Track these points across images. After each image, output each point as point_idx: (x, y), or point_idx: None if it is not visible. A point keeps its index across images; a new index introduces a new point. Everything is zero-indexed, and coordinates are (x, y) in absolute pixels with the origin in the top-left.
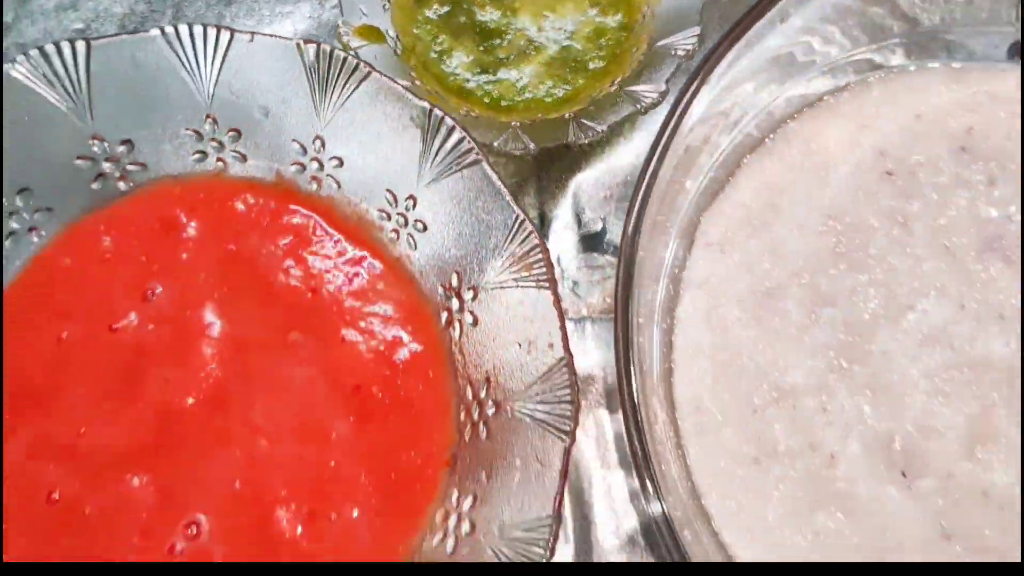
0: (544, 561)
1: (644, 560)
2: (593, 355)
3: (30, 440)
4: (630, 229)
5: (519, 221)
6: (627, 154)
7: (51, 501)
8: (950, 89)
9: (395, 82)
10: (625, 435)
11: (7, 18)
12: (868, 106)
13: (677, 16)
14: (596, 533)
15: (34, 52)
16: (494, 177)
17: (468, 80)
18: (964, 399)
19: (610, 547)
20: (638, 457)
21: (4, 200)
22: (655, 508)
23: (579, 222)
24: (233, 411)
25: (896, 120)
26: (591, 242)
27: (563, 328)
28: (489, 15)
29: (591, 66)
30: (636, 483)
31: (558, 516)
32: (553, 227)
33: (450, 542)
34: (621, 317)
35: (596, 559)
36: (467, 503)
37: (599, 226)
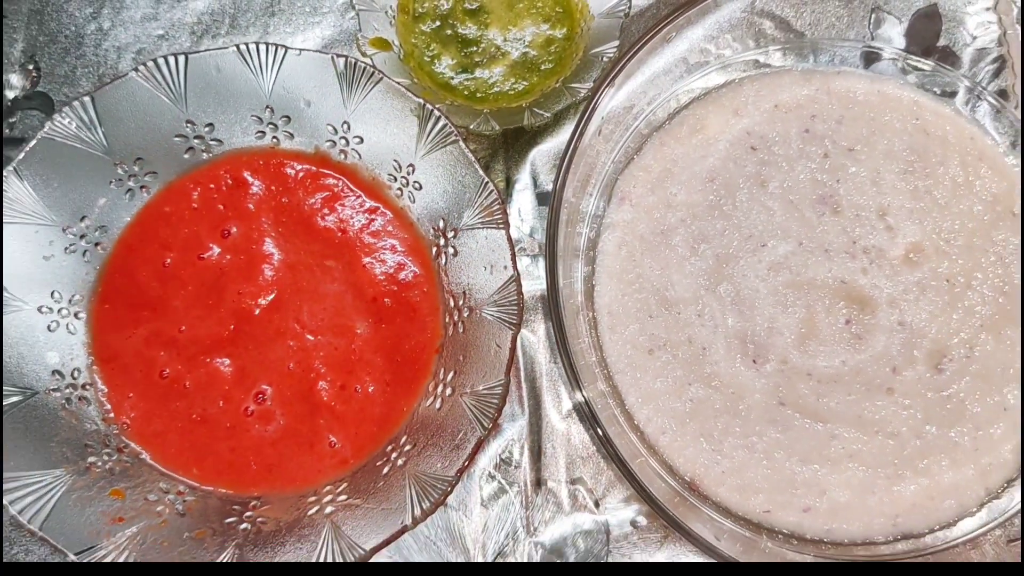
0: (497, 406)
1: (576, 423)
2: (544, 281)
3: (147, 335)
4: (557, 186)
5: (484, 182)
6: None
7: (162, 376)
8: (800, 86)
9: (399, 83)
10: (554, 333)
11: (105, 25)
12: (740, 98)
13: (605, 31)
14: (544, 409)
15: (150, 63)
16: (467, 152)
17: (452, 78)
18: (797, 308)
19: (554, 419)
20: (560, 344)
21: (127, 165)
22: (577, 393)
23: (535, 184)
24: (287, 314)
25: (760, 108)
26: (544, 198)
27: (513, 255)
28: (468, 29)
29: (543, 67)
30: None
31: (507, 378)
32: (516, 187)
33: (438, 403)
34: (549, 248)
35: (544, 429)
36: (450, 376)
37: (550, 187)
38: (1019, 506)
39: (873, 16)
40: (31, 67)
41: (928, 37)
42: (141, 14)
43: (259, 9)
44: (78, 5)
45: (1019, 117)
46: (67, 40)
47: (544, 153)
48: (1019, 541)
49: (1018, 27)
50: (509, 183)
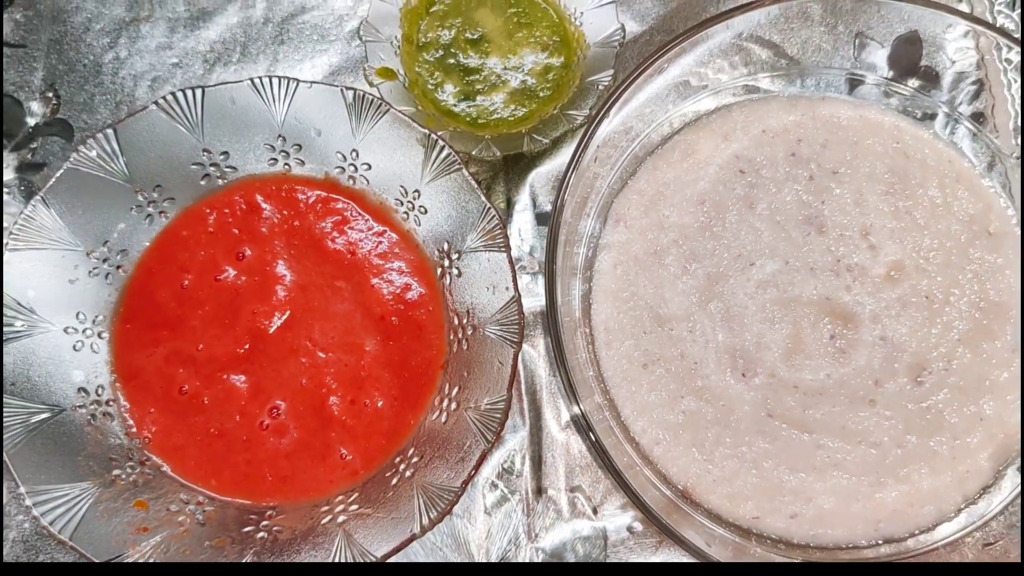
0: (500, 421)
1: (575, 433)
2: (543, 297)
3: (167, 353)
4: (556, 208)
5: (487, 208)
6: (568, 156)
7: (182, 393)
8: (787, 112)
9: (404, 112)
10: (553, 349)
11: (122, 54)
12: (730, 123)
13: (600, 59)
14: (544, 421)
15: (169, 96)
16: (470, 179)
17: (455, 105)
18: (784, 324)
19: (554, 429)
20: (559, 360)
21: (147, 192)
22: (574, 406)
23: (535, 204)
24: (300, 332)
25: (749, 133)
26: (543, 219)
27: (514, 277)
28: (470, 58)
29: (541, 95)
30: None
31: (509, 394)
32: (516, 208)
33: (443, 416)
34: (548, 268)
35: (544, 439)
36: (455, 391)
37: (548, 207)
38: (995, 511)
39: (857, 41)
40: (51, 95)
41: (910, 61)
42: (156, 43)
43: (269, 38)
44: (96, 35)
45: (994, 140)
46: (85, 69)
47: (543, 175)
48: (995, 545)
49: (995, 53)
50: (509, 204)
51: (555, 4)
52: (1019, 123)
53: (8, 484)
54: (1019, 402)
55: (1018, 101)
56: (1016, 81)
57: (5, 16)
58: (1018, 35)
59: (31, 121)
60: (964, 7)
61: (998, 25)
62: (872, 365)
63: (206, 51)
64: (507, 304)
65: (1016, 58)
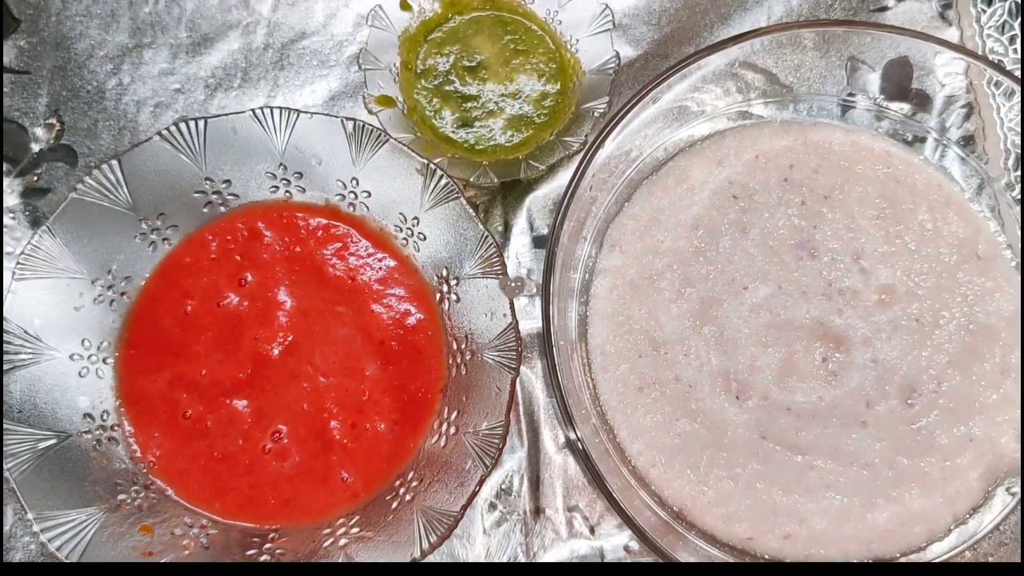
0: (498, 446)
1: (571, 455)
2: (540, 320)
3: (170, 378)
4: (553, 235)
5: (484, 236)
6: (564, 180)
7: (185, 417)
8: (779, 138)
9: (403, 139)
10: (549, 372)
11: (125, 80)
12: (723, 149)
13: (595, 87)
14: (542, 441)
15: (173, 127)
16: (468, 207)
17: (453, 131)
18: (777, 347)
19: (551, 450)
20: (555, 380)
21: (150, 220)
22: (570, 432)
23: (531, 228)
24: (301, 357)
25: (742, 159)
26: (540, 242)
27: (511, 303)
28: (467, 85)
29: (537, 121)
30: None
31: (507, 420)
32: (513, 231)
33: (442, 440)
34: (544, 295)
35: (542, 460)
36: (453, 415)
37: (545, 231)
38: (985, 530)
39: (849, 64)
40: (55, 121)
41: (901, 83)
42: (158, 69)
43: (269, 63)
44: (99, 62)
45: (982, 165)
46: (89, 95)
47: (539, 199)
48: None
49: (983, 76)
50: (507, 227)
51: (551, 31)
52: (1007, 146)
53: (15, 508)
54: (1007, 423)
55: (1007, 124)
56: (1004, 105)
57: (10, 43)
58: (1005, 58)
59: (35, 147)
60: (954, 30)
61: (987, 48)
62: (864, 387)
63: (207, 76)
64: (505, 330)
65: (1009, 83)
